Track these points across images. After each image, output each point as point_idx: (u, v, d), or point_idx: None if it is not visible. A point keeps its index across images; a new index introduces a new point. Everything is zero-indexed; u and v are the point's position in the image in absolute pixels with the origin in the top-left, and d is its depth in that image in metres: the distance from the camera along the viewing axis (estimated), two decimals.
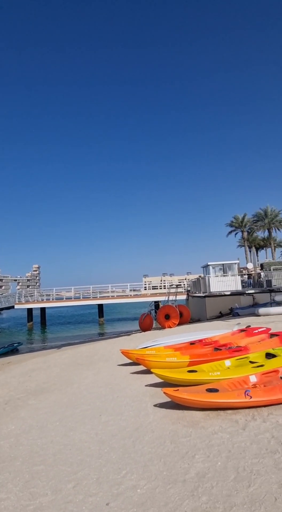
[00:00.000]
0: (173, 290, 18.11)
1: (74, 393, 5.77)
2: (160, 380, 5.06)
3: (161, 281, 37.10)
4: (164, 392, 4.00)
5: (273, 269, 22.31)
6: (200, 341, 7.43)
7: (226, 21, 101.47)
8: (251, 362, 5.19)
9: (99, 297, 30.18)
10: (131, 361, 7.11)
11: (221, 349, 6.21)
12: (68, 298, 31.21)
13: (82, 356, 9.84)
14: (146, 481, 2.63)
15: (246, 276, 24.41)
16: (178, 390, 3.98)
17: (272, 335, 7.05)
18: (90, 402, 5.00)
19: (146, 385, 5.39)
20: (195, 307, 22.27)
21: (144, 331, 15.59)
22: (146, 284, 34.75)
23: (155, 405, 4.32)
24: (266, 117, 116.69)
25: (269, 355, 5.29)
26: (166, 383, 4.85)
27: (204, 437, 3.24)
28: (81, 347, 12.76)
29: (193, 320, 18.72)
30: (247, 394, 3.70)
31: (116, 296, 30.63)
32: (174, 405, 4.13)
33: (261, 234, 41.90)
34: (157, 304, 23.16)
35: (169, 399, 4.18)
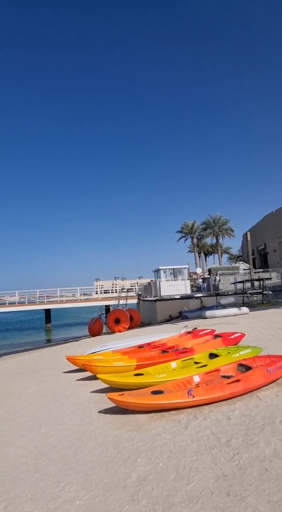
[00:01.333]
0: (123, 294, 18.16)
1: (13, 404, 5.37)
2: (107, 386, 4.99)
3: (113, 285, 37.01)
4: (109, 398, 3.95)
5: (220, 274, 23.87)
6: (149, 344, 7.55)
7: None
8: (195, 362, 5.43)
9: (47, 301, 28.84)
10: (77, 367, 6.90)
11: (168, 352, 6.39)
12: (12, 303, 29.16)
13: (25, 364, 9.25)
14: (85, 491, 2.55)
15: (201, 280, 25.62)
16: (123, 394, 3.97)
17: (216, 336, 7.49)
18: (30, 414, 4.71)
19: (91, 392, 5.27)
20: (146, 311, 22.64)
21: (94, 336, 15.32)
22: (97, 288, 34.29)
23: (100, 412, 4.24)
24: (217, 126, 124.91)
25: (212, 355, 5.61)
26: (113, 388, 4.80)
27: (147, 439, 3.27)
28: (24, 355, 12.00)
29: (143, 324, 18.99)
30: (190, 394, 3.85)
31: (65, 300, 29.59)
32: (119, 410, 4.11)
33: (209, 240, 44.60)
34: (107, 308, 22.97)
35: (114, 404, 4.15)
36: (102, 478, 2.70)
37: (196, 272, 28.28)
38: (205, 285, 23.44)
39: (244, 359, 5.02)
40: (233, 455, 2.81)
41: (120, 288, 25.94)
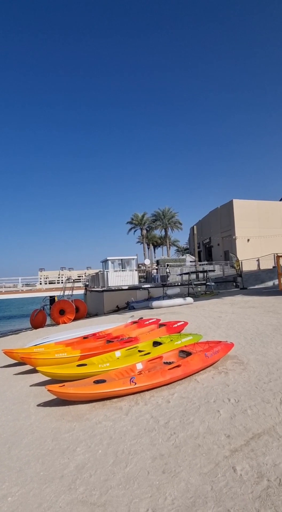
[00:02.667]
0: (69, 285, 17.70)
1: None
2: (48, 379, 4.85)
3: (59, 275, 35.78)
4: (48, 390, 3.85)
5: (168, 266, 24.75)
6: (94, 334, 7.52)
7: None
8: (139, 351, 5.59)
9: None
10: (16, 361, 6.55)
11: (113, 341, 6.45)
12: None
13: None
14: (19, 487, 2.46)
15: (155, 271, 26.13)
16: (63, 385, 3.90)
17: (161, 325, 7.80)
18: None
19: (31, 385, 5.06)
20: (93, 302, 22.47)
21: (36, 329, 14.68)
22: (41, 279, 32.77)
23: (39, 405, 4.11)
24: (170, 119, 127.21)
25: (156, 343, 5.84)
26: (54, 381, 4.67)
27: (88, 428, 3.28)
28: None
29: (90, 315, 18.82)
30: (132, 381, 3.96)
31: (5, 291, 27.69)
32: (60, 401, 4.03)
33: (158, 232, 45.81)
34: (52, 299, 22.16)
35: (55, 397, 4.06)
36: (38, 472, 2.63)
37: (144, 264, 28.90)
38: (159, 276, 24.13)
39: (185, 346, 5.34)
40: (170, 435, 2.99)
41: (66, 278, 25.21)
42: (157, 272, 25.08)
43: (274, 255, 26.01)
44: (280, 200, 40.91)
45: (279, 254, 19.17)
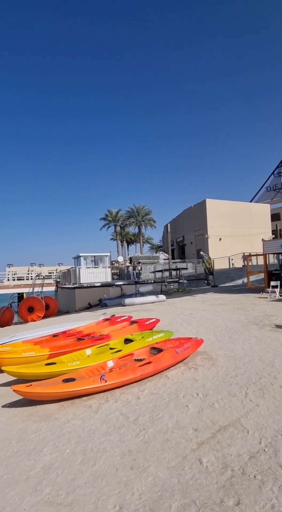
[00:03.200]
0: (39, 281, 17.20)
1: None
2: (14, 378, 4.69)
3: (28, 271, 34.62)
4: (13, 390, 3.73)
5: (141, 263, 24.87)
6: (64, 332, 7.39)
7: None
8: (111, 348, 5.59)
9: None
10: None
11: (84, 339, 6.38)
12: None
13: None
14: None
15: (131, 268, 26.03)
16: (30, 385, 3.80)
17: (133, 322, 7.84)
18: None
19: None
20: (64, 299, 22.02)
21: (2, 327, 14.11)
22: (9, 275, 31.50)
23: (4, 406, 3.96)
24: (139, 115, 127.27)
25: (127, 341, 5.86)
26: (21, 381, 4.53)
27: (56, 428, 3.23)
28: None
29: (60, 312, 18.44)
30: (103, 379, 3.95)
31: None
32: (27, 402, 3.92)
33: (132, 229, 45.83)
34: (21, 296, 21.41)
35: (21, 397, 3.94)
36: (1, 475, 2.54)
37: (117, 260, 28.81)
38: (135, 273, 24.13)
39: (156, 343, 5.41)
40: (139, 431, 3.02)
41: (36, 275, 24.45)
42: (134, 269, 25.10)
43: (243, 254, 27.13)
44: (251, 202, 42.64)
45: (248, 254, 20.00)
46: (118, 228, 43.66)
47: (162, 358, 4.60)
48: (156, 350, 5.07)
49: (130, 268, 24.79)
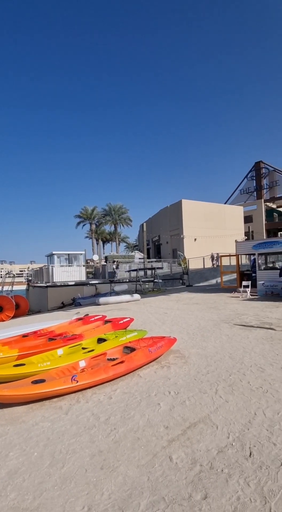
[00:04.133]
0: (9, 279, 16.60)
1: None
2: None
3: None
4: None
5: (117, 262, 24.77)
6: (35, 332, 7.19)
7: None
8: (83, 348, 5.52)
9: None
10: None
11: (55, 339, 6.25)
12: None
13: None
14: None
15: (115, 266, 25.69)
16: None
17: (106, 321, 7.80)
18: None
19: None
20: (36, 298, 21.43)
21: None
22: None
23: None
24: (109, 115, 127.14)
25: (101, 340, 5.82)
26: None
27: (23, 431, 3.13)
28: None
29: (32, 312, 17.92)
30: (74, 379, 3.90)
31: None
32: None
33: (108, 228, 45.54)
34: None
35: None
36: None
37: (92, 259, 28.50)
38: (118, 271, 23.93)
39: (129, 342, 5.43)
40: (110, 431, 3.01)
41: (6, 272, 23.56)
42: (117, 268, 24.87)
43: (211, 254, 27.92)
44: (225, 204, 43.90)
45: (221, 254, 20.60)
46: (94, 226, 43.18)
47: (134, 357, 4.62)
48: (129, 349, 5.08)
49: (113, 266, 24.60)
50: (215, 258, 28.38)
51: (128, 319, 7.96)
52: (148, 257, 36.00)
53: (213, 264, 27.29)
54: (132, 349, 5.03)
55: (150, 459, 2.55)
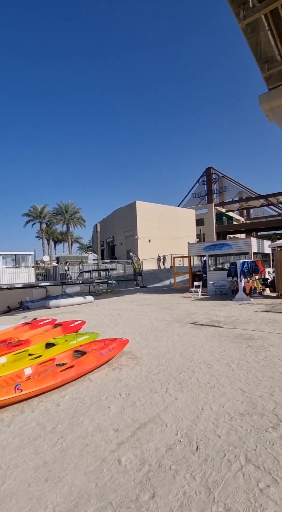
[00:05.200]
0: None
1: None
2: None
3: None
4: None
5: (69, 263, 24.07)
6: None
7: None
8: (30, 354, 5.24)
9: None
10: None
11: None
12: None
13: None
14: None
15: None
16: None
17: (56, 325, 7.52)
18: None
19: None
20: None
21: None
22: None
23: None
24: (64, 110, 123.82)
25: (49, 345, 5.58)
26: None
27: None
28: None
29: None
30: (18, 388, 3.67)
31: None
32: None
33: (60, 228, 44.10)
34: None
35: None
36: None
37: (43, 260, 27.33)
38: (70, 273, 23.05)
39: (80, 345, 5.30)
40: (57, 439, 2.90)
41: None
42: (69, 269, 23.96)
43: (164, 256, 28.80)
44: (178, 206, 45.46)
45: (174, 255, 21.28)
46: (44, 226, 41.45)
47: (85, 361, 4.52)
48: (80, 353, 4.96)
49: (65, 268, 23.75)
50: (161, 260, 29.12)
51: (80, 321, 7.79)
52: (102, 258, 35.69)
53: (159, 266, 28.01)
54: (83, 353, 4.91)
55: (98, 464, 2.50)
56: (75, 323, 7.54)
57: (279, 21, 12.65)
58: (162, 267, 28.40)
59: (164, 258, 29.00)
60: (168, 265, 29.04)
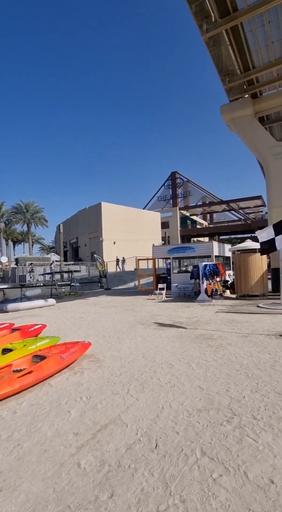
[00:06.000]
0: None
1: None
2: None
3: None
4: None
5: (29, 264, 23.18)
6: None
7: None
8: None
9: None
10: None
11: None
12: None
13: None
14: None
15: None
16: None
17: (14, 330, 7.23)
18: None
19: None
20: None
21: None
22: None
23: None
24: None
25: (6, 350, 5.36)
26: None
27: None
28: None
29: None
30: None
31: None
32: None
33: (20, 227, 42.35)
34: None
35: None
36: None
37: (0, 261, 26.04)
38: (30, 275, 22.01)
39: (40, 350, 5.16)
40: (13, 448, 2.81)
41: None
42: (32, 271, 22.86)
43: (122, 258, 28.99)
44: (144, 209, 45.98)
45: (139, 258, 21.50)
46: (2, 225, 39.51)
47: (44, 365, 4.42)
48: (39, 357, 4.84)
49: (27, 269, 22.75)
50: (120, 261, 29.01)
51: (40, 325, 7.57)
52: (65, 260, 34.87)
53: (117, 268, 27.90)
54: (42, 358, 4.80)
55: (57, 469, 2.48)
56: (35, 327, 7.31)
57: (239, 38, 13.46)
58: (119, 269, 28.23)
59: (123, 261, 28.87)
60: (128, 267, 29.15)
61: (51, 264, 24.60)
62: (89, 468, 2.46)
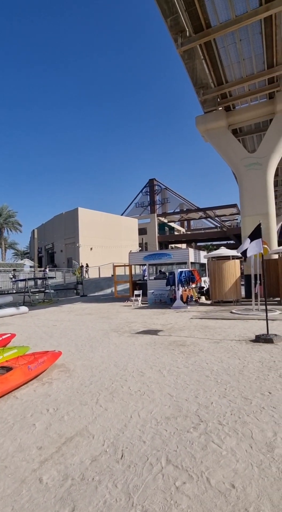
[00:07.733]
0: None
1: None
2: None
3: None
4: None
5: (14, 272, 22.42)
6: None
7: None
8: None
9: None
10: None
11: None
12: None
13: None
14: None
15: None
16: None
17: None
18: None
19: None
20: None
21: None
22: None
23: None
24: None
25: None
26: None
27: None
28: None
29: None
30: None
31: None
32: None
33: None
34: None
35: None
36: None
37: None
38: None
39: (6, 361, 4.99)
40: None
41: None
42: (16, 277, 21.91)
43: (86, 265, 28.74)
44: (121, 215, 46.06)
45: (116, 264, 21.43)
46: None
47: (10, 377, 4.27)
48: (5, 369, 4.66)
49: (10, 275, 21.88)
50: (84, 268, 28.04)
51: (9, 335, 7.32)
52: (40, 266, 34.04)
53: (81, 275, 26.95)
54: (9, 369, 4.63)
55: (17, 486, 2.39)
56: (3, 337, 7.06)
57: (212, 53, 14.00)
58: (84, 276, 27.44)
59: (87, 266, 28.11)
60: (105, 274, 28.79)
61: (13, 270, 23.87)
62: (52, 483, 2.39)
